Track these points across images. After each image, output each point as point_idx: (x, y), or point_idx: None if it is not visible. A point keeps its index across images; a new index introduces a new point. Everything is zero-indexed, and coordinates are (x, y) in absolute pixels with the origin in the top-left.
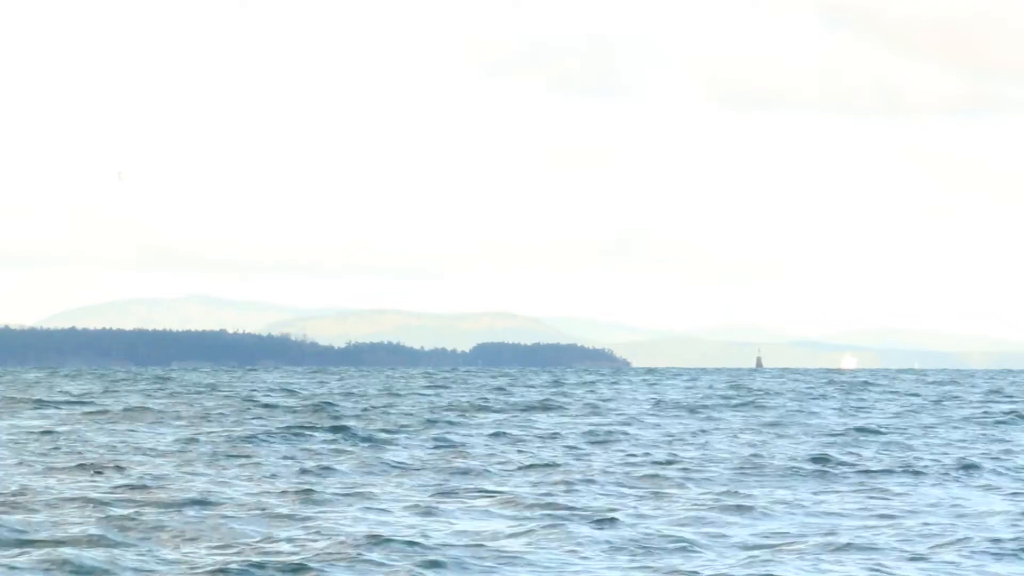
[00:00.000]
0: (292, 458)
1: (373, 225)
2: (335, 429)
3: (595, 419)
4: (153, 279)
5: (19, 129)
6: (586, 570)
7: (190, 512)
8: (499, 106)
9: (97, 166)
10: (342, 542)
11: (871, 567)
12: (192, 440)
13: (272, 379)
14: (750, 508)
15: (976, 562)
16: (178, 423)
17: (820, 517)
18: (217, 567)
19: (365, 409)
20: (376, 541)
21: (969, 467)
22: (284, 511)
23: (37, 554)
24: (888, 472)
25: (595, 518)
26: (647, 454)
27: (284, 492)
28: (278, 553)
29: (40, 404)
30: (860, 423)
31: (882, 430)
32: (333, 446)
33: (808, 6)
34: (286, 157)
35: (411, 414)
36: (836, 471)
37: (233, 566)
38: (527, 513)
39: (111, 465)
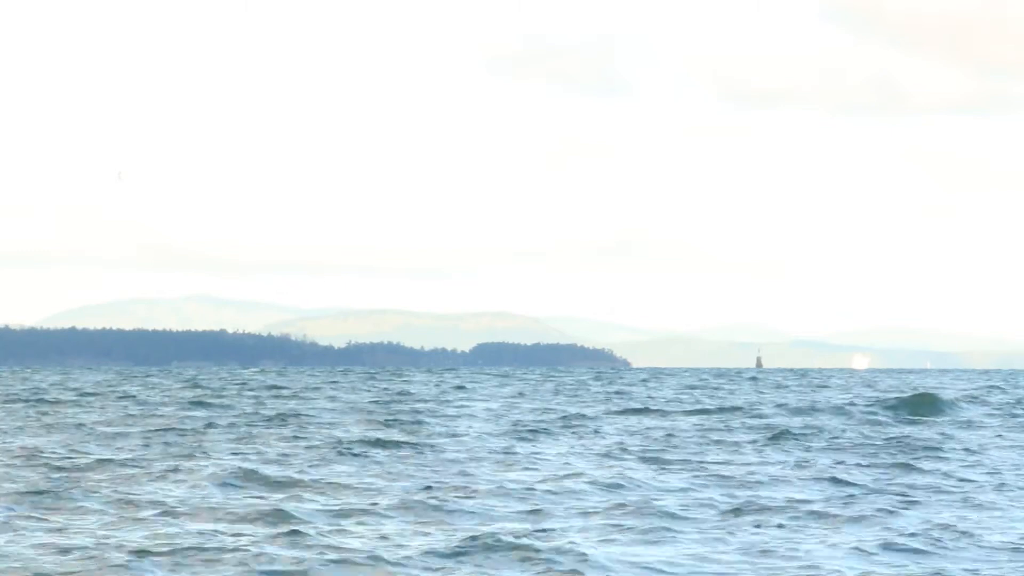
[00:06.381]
0: None
1: (373, 225)
2: None
3: None
4: (153, 279)
5: (18, 129)
6: None
7: None
8: (500, 105)
9: (97, 166)
10: None
11: None
12: None
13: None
14: None
15: None
16: None
17: None
18: None
19: None
20: None
21: None
22: None
23: None
24: None
25: None
26: None
27: None
28: None
29: None
30: None
31: None
32: None
33: (809, 4)
34: (286, 157)
35: None
36: None
37: None
38: None
39: None
